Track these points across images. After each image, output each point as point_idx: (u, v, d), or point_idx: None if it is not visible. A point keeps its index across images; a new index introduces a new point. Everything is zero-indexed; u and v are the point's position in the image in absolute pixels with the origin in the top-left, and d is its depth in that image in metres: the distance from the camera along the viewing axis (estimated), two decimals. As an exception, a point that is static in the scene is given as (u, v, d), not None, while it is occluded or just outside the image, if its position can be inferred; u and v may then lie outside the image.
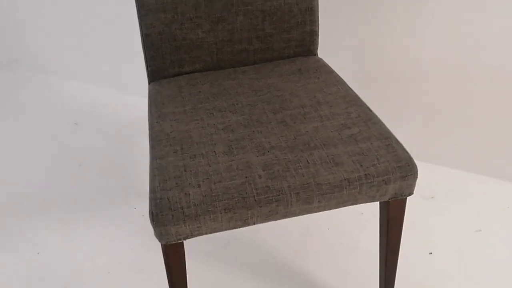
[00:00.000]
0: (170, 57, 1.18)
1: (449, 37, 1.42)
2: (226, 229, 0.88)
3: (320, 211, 0.91)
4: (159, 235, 0.85)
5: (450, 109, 1.54)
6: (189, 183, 0.87)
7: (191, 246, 1.16)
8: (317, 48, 1.26)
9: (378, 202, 0.98)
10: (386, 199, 0.93)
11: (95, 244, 1.40)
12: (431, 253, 1.35)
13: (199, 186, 0.86)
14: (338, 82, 1.13)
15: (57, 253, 1.38)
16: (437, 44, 1.44)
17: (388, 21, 1.46)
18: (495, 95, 1.46)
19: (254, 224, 0.89)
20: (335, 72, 1.17)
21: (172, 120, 1.03)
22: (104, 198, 1.56)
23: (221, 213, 0.85)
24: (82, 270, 1.33)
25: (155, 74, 1.19)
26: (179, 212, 0.83)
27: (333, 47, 1.44)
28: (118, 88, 2.08)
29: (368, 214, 1.48)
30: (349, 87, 1.11)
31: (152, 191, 0.87)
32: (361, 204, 1.46)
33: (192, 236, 0.87)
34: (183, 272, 0.93)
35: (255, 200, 0.85)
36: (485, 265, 1.31)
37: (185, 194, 0.85)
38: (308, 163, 0.90)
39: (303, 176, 0.87)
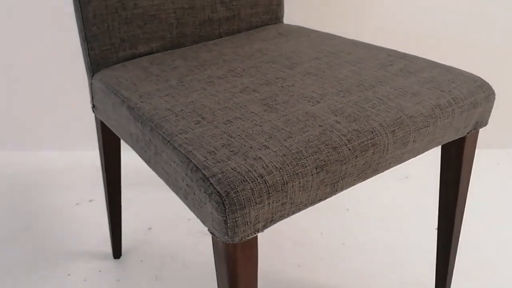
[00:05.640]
0: (119, 33, 0.87)
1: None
2: (311, 203, 0.61)
3: (409, 158, 0.70)
4: (232, 228, 0.54)
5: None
6: (250, 147, 0.59)
7: None
8: (283, 14, 1.07)
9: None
10: (467, 131, 0.75)
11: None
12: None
13: (266, 147, 0.59)
14: (334, 36, 0.95)
15: None
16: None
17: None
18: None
19: (341, 189, 0.64)
20: (322, 31, 0.99)
21: (162, 96, 0.73)
22: (20, 271, 1.11)
23: (312, 175, 0.58)
24: None
25: (99, 62, 0.88)
26: (259, 182, 0.54)
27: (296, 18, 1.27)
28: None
29: (353, 209, 1.30)
30: (349, 39, 0.94)
31: (202, 167, 0.56)
32: (345, 200, 1.28)
33: (272, 222, 0.58)
34: (255, 283, 0.62)
35: (349, 149, 0.60)
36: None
37: (255, 158, 0.57)
38: (381, 99, 0.69)
39: (388, 112, 0.66)
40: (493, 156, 1.52)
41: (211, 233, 0.58)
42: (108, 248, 1.17)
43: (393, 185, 1.39)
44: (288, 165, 0.56)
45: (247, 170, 0.55)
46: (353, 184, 0.65)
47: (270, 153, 0.58)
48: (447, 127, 0.70)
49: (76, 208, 1.33)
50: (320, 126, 0.63)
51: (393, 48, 0.87)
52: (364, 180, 0.66)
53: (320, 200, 0.62)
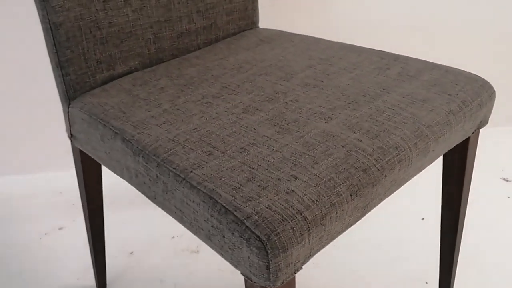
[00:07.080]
0: (95, 55, 0.80)
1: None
2: (343, 230, 0.58)
3: (425, 167, 0.68)
4: (275, 273, 0.50)
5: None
6: (278, 178, 0.55)
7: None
8: (259, 19, 1.03)
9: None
10: (471, 133, 0.75)
11: None
12: (423, 218, 1.23)
13: (295, 177, 0.55)
14: (318, 39, 0.92)
15: None
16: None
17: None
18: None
19: (369, 211, 0.61)
20: (303, 34, 0.96)
21: (159, 124, 0.67)
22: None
23: (347, 202, 0.55)
24: None
25: (76, 87, 0.80)
26: (298, 220, 0.50)
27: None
28: None
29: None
30: (334, 41, 0.91)
31: (232, 208, 0.52)
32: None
33: (310, 257, 0.55)
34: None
35: (378, 169, 0.58)
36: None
37: (287, 192, 0.53)
38: (393, 110, 0.66)
39: (406, 123, 0.64)
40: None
41: (246, 276, 0.53)
42: (90, 280, 1.10)
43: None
44: (324, 196, 0.53)
45: (283, 207, 0.51)
46: (378, 204, 0.62)
47: (301, 184, 0.54)
48: (458, 131, 0.69)
49: (46, 239, 1.24)
50: (342, 146, 0.59)
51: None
52: (388, 197, 0.64)
53: (351, 225, 0.59)
